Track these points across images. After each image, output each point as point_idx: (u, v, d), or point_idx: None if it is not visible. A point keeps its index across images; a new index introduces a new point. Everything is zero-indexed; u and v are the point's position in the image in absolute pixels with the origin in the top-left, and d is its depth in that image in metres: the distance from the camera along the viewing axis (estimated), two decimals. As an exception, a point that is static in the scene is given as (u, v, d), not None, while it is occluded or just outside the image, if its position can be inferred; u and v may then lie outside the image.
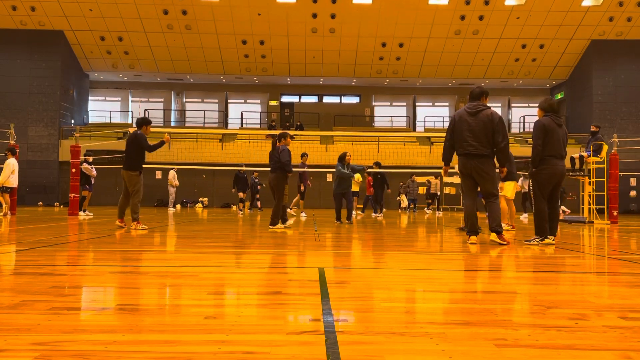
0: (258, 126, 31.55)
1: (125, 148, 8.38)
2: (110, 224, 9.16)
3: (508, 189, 9.48)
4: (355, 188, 18.33)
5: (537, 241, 6.08)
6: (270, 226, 8.40)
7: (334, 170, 11.03)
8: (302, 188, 13.78)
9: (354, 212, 17.70)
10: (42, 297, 2.53)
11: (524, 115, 31.50)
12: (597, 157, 12.31)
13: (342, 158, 10.83)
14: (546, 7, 24.67)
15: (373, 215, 15.15)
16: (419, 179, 22.19)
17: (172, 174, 19.77)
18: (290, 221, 8.91)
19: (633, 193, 23.98)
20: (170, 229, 8.39)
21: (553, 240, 6.10)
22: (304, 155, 13.91)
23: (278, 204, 8.46)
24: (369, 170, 14.11)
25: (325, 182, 25.68)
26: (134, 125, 8.66)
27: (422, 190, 23.08)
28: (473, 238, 6.02)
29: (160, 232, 7.45)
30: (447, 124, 32.18)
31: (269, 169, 8.69)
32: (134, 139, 8.31)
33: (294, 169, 13.60)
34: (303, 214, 14.26)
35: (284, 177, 8.52)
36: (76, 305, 2.38)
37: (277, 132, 9.12)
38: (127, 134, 25.95)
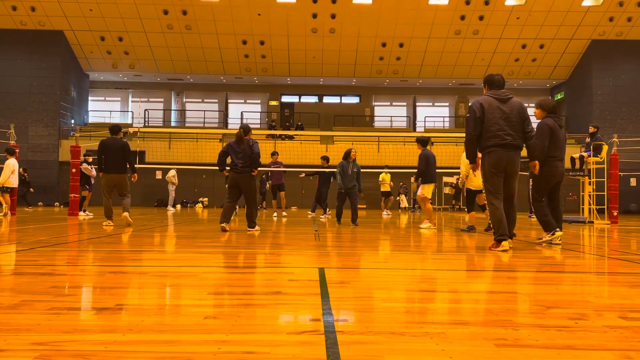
0: (258, 126, 31.54)
1: (119, 154, 8.71)
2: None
3: (429, 190, 9.47)
4: (386, 188, 18.17)
5: (550, 236, 5.90)
6: (249, 229, 7.76)
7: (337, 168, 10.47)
8: (268, 186, 13.68)
9: (385, 212, 17.31)
10: (42, 297, 2.52)
11: (524, 115, 31.47)
12: (597, 157, 12.31)
13: (347, 155, 10.25)
14: (546, 7, 24.67)
15: (309, 215, 14.15)
16: None
17: (172, 172, 19.59)
18: (258, 227, 7.96)
19: None
20: (170, 229, 8.38)
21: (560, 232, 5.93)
22: (274, 153, 13.72)
23: (253, 205, 7.80)
24: (319, 170, 13.50)
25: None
26: (111, 131, 8.98)
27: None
28: (505, 244, 5.22)
29: (160, 232, 7.45)
30: (447, 124, 32.33)
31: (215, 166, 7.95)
32: (126, 146, 8.81)
33: (263, 168, 13.39)
34: (275, 214, 13.71)
35: (253, 176, 7.76)
36: (76, 305, 2.38)
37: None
38: (127, 134, 25.99)
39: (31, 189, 20.11)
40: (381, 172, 18.41)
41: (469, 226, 8.45)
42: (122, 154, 8.69)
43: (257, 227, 7.82)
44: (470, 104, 5.52)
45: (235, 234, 7.32)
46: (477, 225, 8.93)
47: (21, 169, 19.30)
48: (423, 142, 9.47)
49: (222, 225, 7.54)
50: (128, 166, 8.91)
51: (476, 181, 8.36)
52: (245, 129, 7.78)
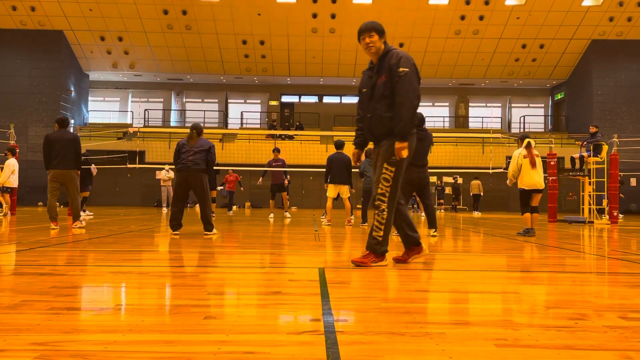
0: (258, 126, 31.55)
1: (68, 147, 7.87)
2: (111, 224, 9.15)
3: (331, 190, 9.85)
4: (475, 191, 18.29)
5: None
6: (206, 232, 6.90)
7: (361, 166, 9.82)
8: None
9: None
10: (42, 297, 2.52)
11: (524, 115, 31.51)
12: (597, 157, 12.32)
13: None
14: (546, 7, 24.67)
15: (229, 212, 13.78)
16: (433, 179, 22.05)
17: (163, 172, 18.84)
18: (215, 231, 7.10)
19: None
20: (168, 229, 8.37)
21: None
22: (276, 150, 13.04)
23: (207, 205, 6.98)
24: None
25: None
26: (60, 124, 8.05)
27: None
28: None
29: (159, 232, 7.45)
30: (447, 124, 32.34)
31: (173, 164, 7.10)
32: (77, 139, 8.04)
33: (268, 168, 12.84)
34: (271, 215, 12.90)
35: (205, 174, 7.02)
36: (76, 305, 2.38)
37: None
38: (127, 134, 26.00)
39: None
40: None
41: (525, 229, 7.69)
42: (70, 147, 7.85)
43: (214, 231, 6.99)
44: (409, 58, 4.00)
45: (235, 234, 7.31)
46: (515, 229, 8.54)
47: None
48: (338, 145, 9.81)
49: (175, 233, 6.86)
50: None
51: (529, 179, 7.67)
52: (199, 129, 7.18)
